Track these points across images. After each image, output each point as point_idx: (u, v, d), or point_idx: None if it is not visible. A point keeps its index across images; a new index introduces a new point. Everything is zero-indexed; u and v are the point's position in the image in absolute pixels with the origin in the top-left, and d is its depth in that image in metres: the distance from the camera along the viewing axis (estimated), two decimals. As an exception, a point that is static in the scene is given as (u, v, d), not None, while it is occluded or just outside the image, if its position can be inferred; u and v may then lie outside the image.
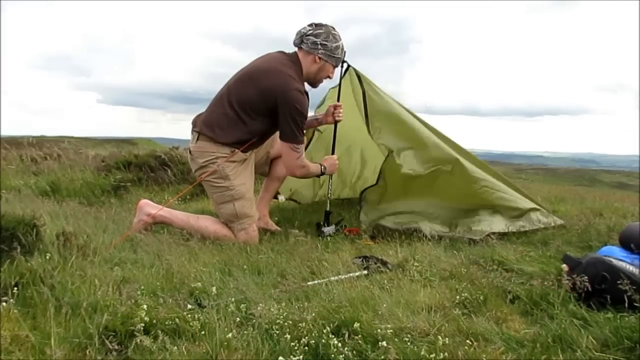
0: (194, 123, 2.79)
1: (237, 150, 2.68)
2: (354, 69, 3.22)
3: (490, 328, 1.52)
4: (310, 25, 2.74)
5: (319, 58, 2.72)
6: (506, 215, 3.02)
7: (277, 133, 3.05)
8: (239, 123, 2.67)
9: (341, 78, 3.15)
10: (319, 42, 2.69)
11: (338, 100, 3.10)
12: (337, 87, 3.16)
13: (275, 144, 3.04)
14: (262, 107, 2.65)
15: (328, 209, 3.06)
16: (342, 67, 3.13)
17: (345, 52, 2.84)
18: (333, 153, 3.13)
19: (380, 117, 3.09)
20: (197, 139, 2.72)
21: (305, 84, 2.78)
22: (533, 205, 3.16)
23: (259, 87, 2.63)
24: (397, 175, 3.05)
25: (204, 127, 2.70)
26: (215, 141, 2.66)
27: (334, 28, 2.74)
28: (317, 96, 3.46)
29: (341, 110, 3.04)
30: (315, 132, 3.49)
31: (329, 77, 2.86)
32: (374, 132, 3.03)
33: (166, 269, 1.99)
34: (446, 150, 3.10)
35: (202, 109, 2.88)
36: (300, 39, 2.73)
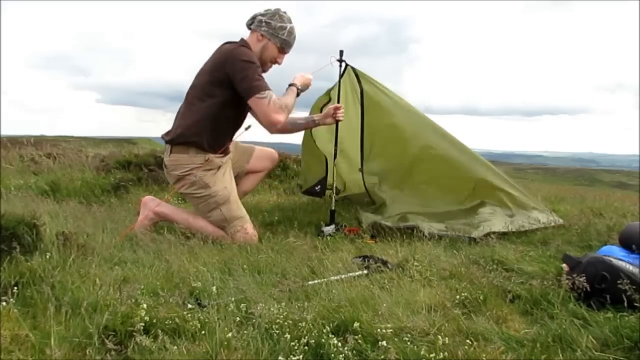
0: (164, 137, 2.76)
1: (210, 157, 2.66)
2: (352, 67, 3.22)
3: (490, 328, 1.52)
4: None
5: (262, 35, 2.71)
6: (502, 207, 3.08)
7: (250, 149, 3.05)
8: (202, 108, 2.64)
9: (340, 78, 3.15)
10: (263, 20, 2.71)
11: (338, 102, 3.11)
12: (335, 88, 3.18)
13: (252, 159, 3.06)
14: (215, 81, 2.62)
15: (333, 207, 3.06)
16: (340, 66, 3.14)
17: (294, 37, 2.76)
18: (335, 154, 3.15)
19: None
20: (170, 151, 2.71)
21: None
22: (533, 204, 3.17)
23: (207, 68, 2.67)
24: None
25: (174, 135, 2.69)
26: (189, 145, 2.64)
27: (285, 12, 2.75)
28: (314, 98, 3.46)
29: (342, 111, 3.04)
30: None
31: (277, 62, 2.80)
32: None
33: (166, 268, 1.99)
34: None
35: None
36: (252, 20, 2.76)
